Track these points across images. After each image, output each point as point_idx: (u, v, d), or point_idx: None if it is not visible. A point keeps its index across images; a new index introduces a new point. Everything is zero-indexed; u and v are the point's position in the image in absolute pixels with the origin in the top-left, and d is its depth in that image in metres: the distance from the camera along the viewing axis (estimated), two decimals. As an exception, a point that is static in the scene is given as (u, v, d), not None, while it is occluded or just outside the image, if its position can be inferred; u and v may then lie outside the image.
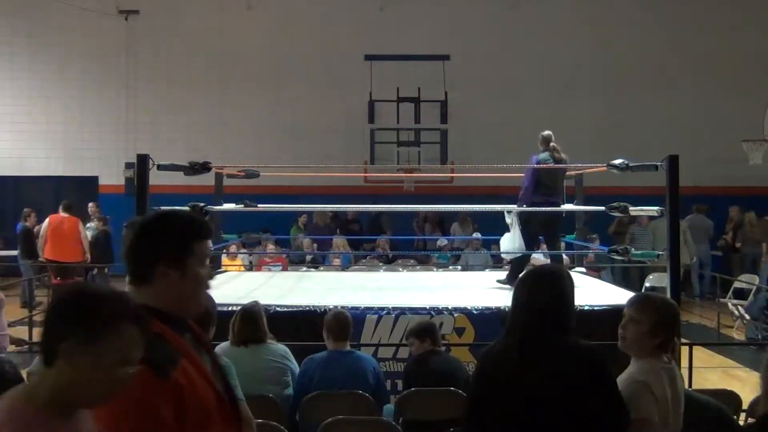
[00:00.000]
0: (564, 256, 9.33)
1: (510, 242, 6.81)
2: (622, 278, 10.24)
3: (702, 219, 11.92)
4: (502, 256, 6.83)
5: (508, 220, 6.91)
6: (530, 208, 6.61)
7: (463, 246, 11.59)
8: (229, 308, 5.12)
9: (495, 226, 8.63)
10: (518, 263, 6.74)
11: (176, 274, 1.78)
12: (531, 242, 6.77)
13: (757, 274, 10.10)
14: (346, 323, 4.29)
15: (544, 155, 6.71)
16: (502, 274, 7.11)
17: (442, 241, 11.98)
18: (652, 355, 2.63)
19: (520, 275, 2.73)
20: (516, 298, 2.57)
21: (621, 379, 2.60)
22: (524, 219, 6.72)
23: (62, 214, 10.60)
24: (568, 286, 2.53)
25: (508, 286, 6.42)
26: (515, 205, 6.79)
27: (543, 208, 6.61)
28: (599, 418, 2.43)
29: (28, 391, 1.49)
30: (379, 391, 4.20)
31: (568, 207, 8.06)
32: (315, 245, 11.25)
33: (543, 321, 2.47)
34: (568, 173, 7.43)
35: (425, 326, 4.58)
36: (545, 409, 2.40)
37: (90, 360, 1.46)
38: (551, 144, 6.75)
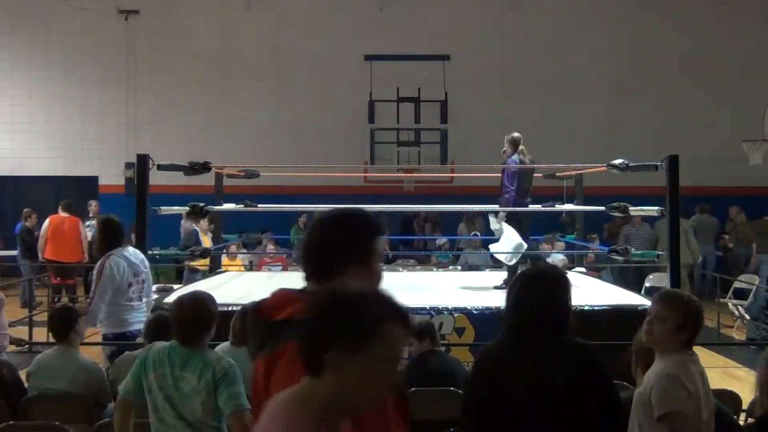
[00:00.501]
0: (563, 256, 9.36)
1: (507, 245, 6.79)
2: (622, 278, 10.23)
3: (707, 219, 11.92)
4: (504, 261, 6.81)
5: (495, 225, 6.90)
6: (520, 209, 6.66)
7: (465, 246, 11.58)
8: (229, 308, 5.13)
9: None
10: (515, 267, 6.78)
11: (363, 271, 1.78)
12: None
13: (756, 274, 10.11)
14: None
15: (517, 158, 6.71)
16: (502, 275, 7.11)
17: (441, 241, 11.98)
18: (680, 351, 2.65)
19: (519, 275, 2.74)
20: (508, 299, 2.58)
21: (650, 376, 2.61)
22: (515, 220, 6.74)
23: (62, 214, 10.60)
24: (561, 286, 2.54)
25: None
26: (483, 206, 6.86)
27: (528, 209, 6.72)
28: (597, 418, 2.43)
29: (302, 398, 1.45)
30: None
31: (568, 207, 8.07)
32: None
33: (535, 321, 2.48)
34: (561, 174, 7.80)
35: (424, 326, 4.58)
36: (543, 409, 2.40)
37: (361, 366, 1.41)
38: (520, 147, 6.78)
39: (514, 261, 6.70)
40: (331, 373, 1.42)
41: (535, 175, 8.12)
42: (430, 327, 4.59)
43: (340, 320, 1.44)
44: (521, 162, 6.74)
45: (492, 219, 6.95)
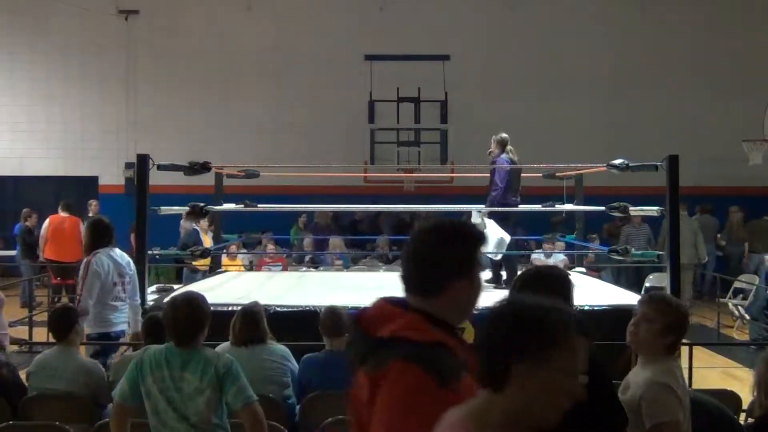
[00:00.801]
0: (564, 256, 9.36)
1: (495, 243, 6.82)
2: (622, 278, 10.23)
3: (708, 219, 11.93)
4: (491, 258, 6.93)
5: (476, 220, 6.98)
6: (509, 208, 6.74)
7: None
8: (229, 308, 5.13)
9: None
10: (498, 263, 6.94)
11: (466, 283, 1.76)
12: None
13: (756, 274, 10.12)
14: (338, 319, 4.29)
15: (507, 157, 6.77)
16: (503, 274, 7.11)
17: None
18: (665, 355, 2.64)
19: (519, 276, 2.72)
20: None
21: (637, 382, 2.59)
22: (502, 218, 6.78)
23: (62, 213, 10.61)
24: (562, 287, 2.52)
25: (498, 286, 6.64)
26: (483, 206, 6.94)
27: (517, 208, 6.79)
28: (596, 418, 2.42)
29: (478, 415, 1.42)
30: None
31: (568, 207, 8.08)
32: (313, 245, 11.25)
33: None
34: (561, 174, 7.94)
35: None
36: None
37: (546, 378, 1.39)
38: (508, 147, 6.85)
39: (499, 256, 6.79)
40: (514, 385, 1.40)
41: (535, 175, 8.16)
42: None
43: (527, 331, 1.42)
44: (511, 161, 6.77)
45: (474, 214, 7.01)
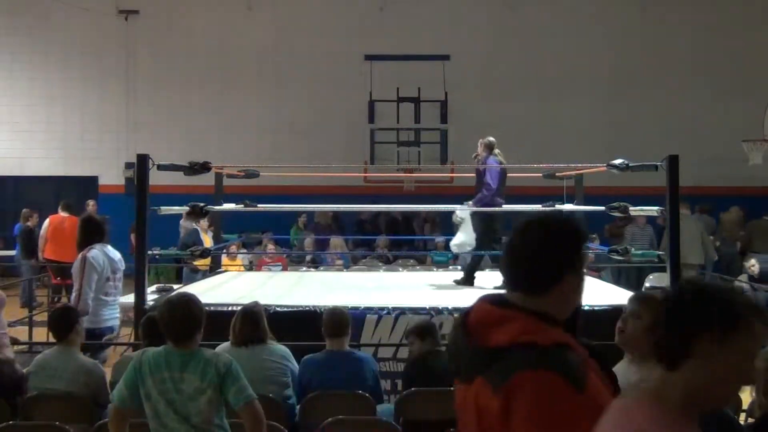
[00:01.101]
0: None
1: (466, 237, 7.01)
2: (622, 278, 10.22)
3: (707, 219, 11.92)
4: (457, 253, 7.26)
5: (461, 215, 7.02)
6: (494, 208, 6.79)
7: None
8: (229, 308, 5.13)
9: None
10: (474, 264, 7.03)
11: (575, 278, 1.71)
12: (491, 241, 6.90)
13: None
14: (341, 320, 4.29)
15: (495, 159, 6.88)
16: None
17: (438, 240, 11.95)
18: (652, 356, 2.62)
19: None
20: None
21: (623, 385, 2.58)
22: (487, 218, 6.81)
23: (62, 213, 10.60)
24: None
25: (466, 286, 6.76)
26: (471, 202, 6.99)
27: (502, 208, 6.84)
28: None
29: (658, 394, 1.43)
30: (375, 393, 4.20)
31: (568, 207, 8.06)
32: (314, 244, 11.25)
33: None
34: (561, 174, 7.98)
35: (426, 325, 4.58)
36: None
37: (727, 357, 1.39)
38: (495, 150, 6.92)
39: (456, 251, 6.99)
40: (694, 364, 1.40)
41: (535, 175, 8.17)
42: (431, 326, 4.59)
43: (711, 309, 1.41)
44: (500, 163, 6.86)
45: (458, 210, 7.06)
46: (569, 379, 1.51)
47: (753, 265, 9.20)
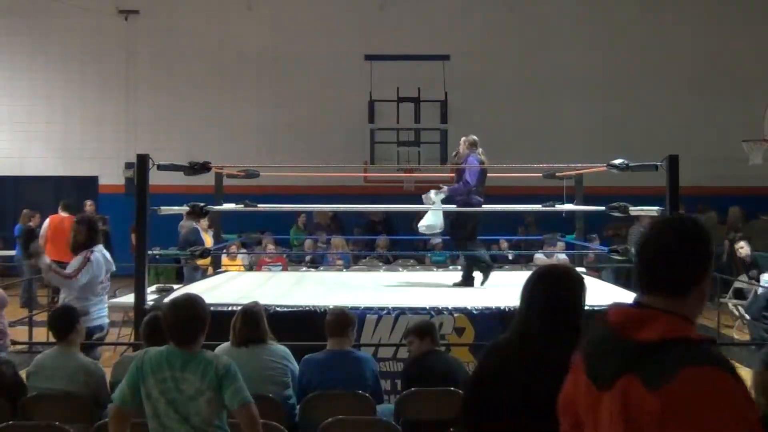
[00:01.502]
0: (564, 256, 9.36)
1: (435, 221, 7.13)
2: (622, 278, 10.22)
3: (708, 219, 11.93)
4: (425, 233, 7.36)
5: (434, 198, 7.07)
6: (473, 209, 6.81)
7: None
8: (229, 308, 5.13)
9: (492, 225, 8.62)
10: (469, 265, 7.01)
11: (708, 280, 1.73)
12: (463, 238, 6.94)
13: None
14: (342, 320, 4.29)
15: (476, 157, 6.89)
16: (503, 275, 7.11)
17: (436, 240, 11.94)
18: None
19: (534, 273, 2.68)
20: (522, 297, 2.55)
21: None
22: (468, 216, 6.86)
23: (62, 213, 10.60)
24: (574, 287, 2.52)
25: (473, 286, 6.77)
26: (446, 187, 7.07)
27: (481, 208, 6.87)
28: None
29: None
30: (375, 393, 4.20)
31: (568, 207, 8.07)
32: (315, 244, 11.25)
33: (544, 320, 2.47)
34: (561, 174, 7.98)
35: (425, 325, 4.58)
36: (546, 408, 2.40)
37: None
38: (478, 149, 6.96)
39: (424, 232, 7.16)
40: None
41: (535, 175, 8.17)
42: (431, 326, 4.59)
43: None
44: (481, 162, 6.87)
45: (433, 192, 7.09)
46: (731, 373, 1.53)
47: (742, 247, 9.59)
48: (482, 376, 2.54)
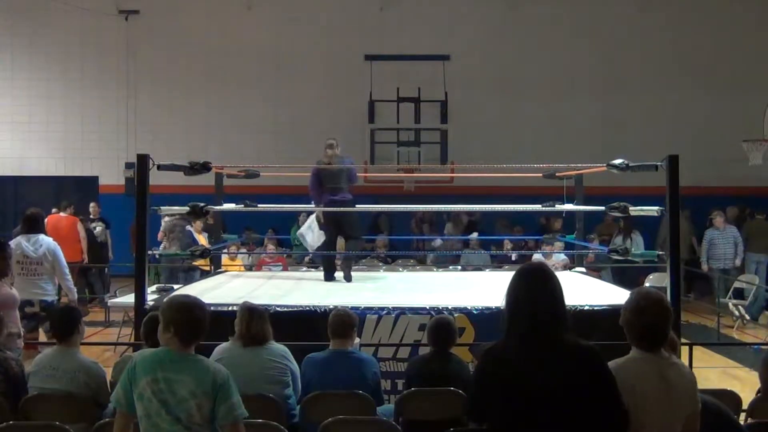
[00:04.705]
0: (564, 256, 9.36)
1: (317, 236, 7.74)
2: (622, 278, 10.22)
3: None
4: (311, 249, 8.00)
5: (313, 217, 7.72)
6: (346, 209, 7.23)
7: (459, 245, 11.53)
8: (229, 308, 5.14)
9: (493, 225, 8.69)
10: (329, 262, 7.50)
11: None
12: (334, 238, 7.50)
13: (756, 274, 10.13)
14: (344, 320, 4.28)
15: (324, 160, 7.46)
16: (504, 274, 7.11)
17: (437, 242, 11.95)
18: (637, 347, 2.70)
19: (516, 272, 2.72)
20: (515, 295, 2.58)
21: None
22: (329, 218, 7.38)
23: (61, 213, 10.60)
24: (553, 282, 2.61)
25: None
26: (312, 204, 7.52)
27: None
28: (598, 416, 2.44)
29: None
30: (375, 394, 4.19)
31: (568, 207, 8.07)
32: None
33: (545, 317, 2.50)
34: (561, 174, 8.11)
35: (443, 324, 4.43)
36: (546, 407, 2.42)
37: None
38: (329, 150, 7.59)
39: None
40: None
41: (535, 175, 8.15)
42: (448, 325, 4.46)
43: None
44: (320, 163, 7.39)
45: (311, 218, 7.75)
46: None
47: (716, 217, 10.53)
48: (485, 381, 2.56)
